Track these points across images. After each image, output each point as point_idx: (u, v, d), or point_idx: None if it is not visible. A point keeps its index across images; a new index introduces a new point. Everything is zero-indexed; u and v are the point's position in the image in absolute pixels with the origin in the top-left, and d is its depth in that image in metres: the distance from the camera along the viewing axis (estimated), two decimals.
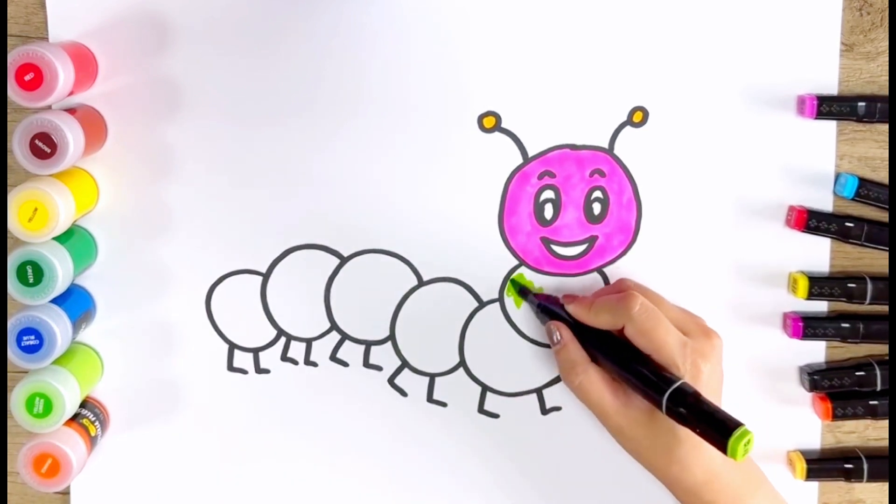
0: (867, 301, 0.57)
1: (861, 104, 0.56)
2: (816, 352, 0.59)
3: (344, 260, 0.57)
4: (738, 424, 0.45)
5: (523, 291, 0.57)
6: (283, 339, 0.57)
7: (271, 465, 0.58)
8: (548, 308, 0.56)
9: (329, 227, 0.56)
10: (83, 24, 0.54)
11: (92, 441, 0.54)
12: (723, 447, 0.45)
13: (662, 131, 0.57)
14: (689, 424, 0.47)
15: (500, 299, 0.57)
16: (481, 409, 0.58)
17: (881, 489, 0.60)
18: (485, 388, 0.58)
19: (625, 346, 0.52)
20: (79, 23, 0.54)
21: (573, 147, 0.56)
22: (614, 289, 0.56)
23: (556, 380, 0.58)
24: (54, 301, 0.52)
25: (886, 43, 0.57)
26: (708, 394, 0.49)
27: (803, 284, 0.57)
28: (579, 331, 0.54)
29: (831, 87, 0.57)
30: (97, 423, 0.55)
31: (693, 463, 0.50)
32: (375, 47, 0.55)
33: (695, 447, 0.50)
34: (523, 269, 0.57)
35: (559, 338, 0.54)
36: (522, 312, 0.58)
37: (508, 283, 0.57)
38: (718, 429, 0.46)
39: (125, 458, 0.57)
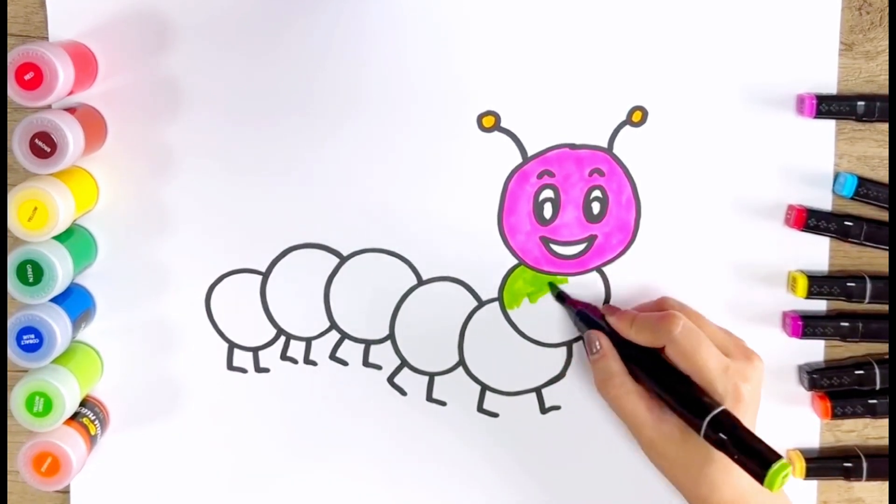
0: (866, 300, 0.57)
1: (860, 103, 0.56)
2: (815, 351, 0.59)
3: (343, 259, 0.57)
4: (777, 457, 0.45)
5: (561, 296, 0.57)
6: (282, 339, 0.57)
7: (270, 464, 0.58)
8: (587, 317, 0.56)
9: (328, 226, 0.56)
10: (83, 23, 0.54)
11: (92, 440, 0.54)
12: (760, 478, 0.45)
13: (662, 131, 0.57)
14: (727, 451, 0.47)
15: (500, 298, 0.57)
16: (480, 409, 0.58)
17: (880, 488, 0.60)
18: (484, 388, 0.58)
19: (664, 364, 0.52)
20: (79, 22, 0.54)
21: (572, 146, 0.56)
22: (656, 307, 0.56)
23: (555, 379, 0.58)
24: (54, 300, 0.52)
25: (886, 42, 0.57)
26: (745, 416, 0.49)
27: (802, 283, 0.57)
28: (617, 343, 0.54)
29: (830, 87, 0.57)
30: (97, 421, 0.55)
31: (722, 483, 0.50)
32: (375, 46, 0.55)
33: (726, 468, 0.50)
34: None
35: (599, 347, 0.54)
36: (522, 312, 0.58)
37: (548, 284, 0.57)
38: (758, 460, 0.46)
39: (125, 456, 0.57)
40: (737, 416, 0.49)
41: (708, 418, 0.48)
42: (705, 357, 0.50)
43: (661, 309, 0.55)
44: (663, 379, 0.51)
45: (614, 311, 0.55)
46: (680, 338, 0.51)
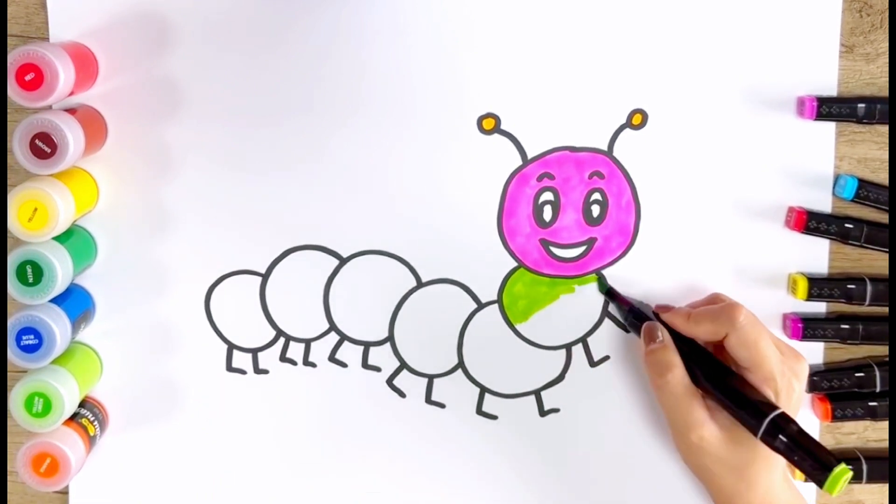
0: (866, 302, 0.57)
1: (861, 105, 0.56)
2: (815, 353, 0.59)
3: (343, 261, 0.57)
4: (837, 461, 0.46)
5: (611, 293, 0.57)
6: (281, 340, 0.57)
7: (269, 466, 0.58)
8: (639, 312, 0.56)
9: (328, 227, 0.56)
10: (84, 24, 0.54)
11: (91, 441, 0.54)
12: (820, 481, 0.46)
13: (662, 133, 0.57)
14: (785, 454, 0.48)
15: (499, 301, 0.57)
16: (479, 411, 0.58)
17: (881, 490, 0.59)
18: (483, 390, 0.58)
19: (717, 364, 0.52)
20: (79, 23, 0.54)
21: (572, 149, 0.56)
22: (709, 301, 0.56)
23: (554, 382, 0.58)
24: (54, 301, 0.52)
25: (886, 44, 0.57)
26: (795, 414, 0.49)
27: (803, 285, 0.57)
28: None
29: (831, 89, 0.57)
30: (96, 422, 0.55)
31: (758, 482, 0.50)
32: (375, 48, 0.55)
33: (765, 468, 0.50)
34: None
35: (661, 338, 0.53)
36: (522, 315, 0.58)
37: (597, 277, 0.57)
38: (819, 463, 0.46)
39: (124, 457, 0.57)
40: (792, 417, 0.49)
41: (767, 420, 0.48)
42: (766, 348, 0.50)
43: (714, 303, 0.55)
44: (719, 378, 0.51)
45: (668, 308, 0.55)
46: (743, 326, 0.50)
